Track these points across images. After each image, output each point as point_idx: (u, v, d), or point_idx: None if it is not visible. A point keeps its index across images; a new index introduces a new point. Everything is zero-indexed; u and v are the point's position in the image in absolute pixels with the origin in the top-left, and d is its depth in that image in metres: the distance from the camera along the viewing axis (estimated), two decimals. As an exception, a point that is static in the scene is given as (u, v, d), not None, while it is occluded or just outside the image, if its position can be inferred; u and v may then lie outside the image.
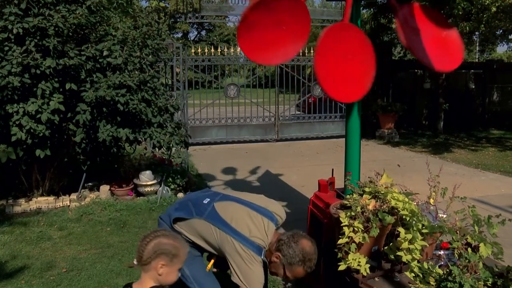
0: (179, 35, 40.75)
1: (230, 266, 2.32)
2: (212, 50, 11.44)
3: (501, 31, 13.68)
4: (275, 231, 2.48)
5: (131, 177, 6.43)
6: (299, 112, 13.91)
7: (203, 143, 11.00)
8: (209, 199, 2.55)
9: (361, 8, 8.70)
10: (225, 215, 2.42)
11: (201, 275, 2.55)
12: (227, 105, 11.30)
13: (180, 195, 6.31)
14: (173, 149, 6.62)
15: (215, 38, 43.54)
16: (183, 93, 10.17)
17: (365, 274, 2.42)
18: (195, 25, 43.41)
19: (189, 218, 2.47)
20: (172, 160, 7.07)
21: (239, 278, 2.29)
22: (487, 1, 8.53)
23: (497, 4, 8.58)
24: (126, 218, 5.47)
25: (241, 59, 12.43)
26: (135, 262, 1.93)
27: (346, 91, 2.66)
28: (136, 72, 5.73)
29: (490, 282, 2.21)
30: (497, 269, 2.30)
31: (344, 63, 2.65)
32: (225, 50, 11.70)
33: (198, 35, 47.04)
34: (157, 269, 1.88)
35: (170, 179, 6.39)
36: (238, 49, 12.06)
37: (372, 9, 13.41)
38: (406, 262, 2.41)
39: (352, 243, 2.42)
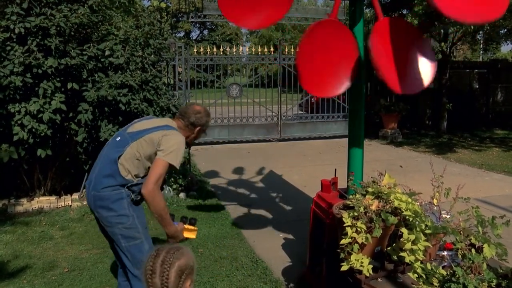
0: (181, 34, 40.78)
1: (165, 152, 2.67)
2: (215, 49, 11.44)
3: (505, 30, 13.58)
4: (173, 120, 2.98)
5: (133, 177, 6.42)
6: (301, 112, 13.89)
7: (205, 143, 10.99)
8: (119, 137, 2.84)
9: (364, 7, 8.67)
10: (141, 128, 2.82)
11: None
12: (229, 105, 11.28)
13: (182, 195, 6.31)
14: (175, 148, 6.59)
15: (217, 38, 43.56)
16: (185, 92, 10.19)
17: (367, 274, 2.40)
18: (197, 25, 43.44)
19: (123, 151, 2.71)
20: (174, 159, 7.04)
21: (171, 155, 2.67)
22: (491, 0, 8.48)
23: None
24: (128, 217, 5.45)
25: (244, 59, 12.43)
26: None
27: (407, 83, 2.62)
28: (138, 71, 5.72)
29: (494, 283, 2.19)
30: (501, 270, 2.28)
31: (400, 56, 2.61)
32: (228, 49, 11.69)
33: (200, 35, 47.09)
34: None
35: (172, 179, 6.38)
36: (241, 48, 12.09)
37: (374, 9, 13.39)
38: (409, 262, 2.39)
39: (355, 244, 2.40)
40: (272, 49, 11.75)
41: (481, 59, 30.28)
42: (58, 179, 6.03)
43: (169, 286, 1.64)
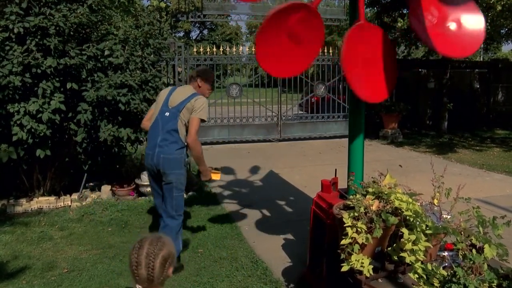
0: (181, 34, 40.76)
1: (196, 111, 3.78)
2: (214, 49, 11.41)
3: (506, 29, 13.55)
4: (191, 85, 4.04)
5: (132, 177, 6.41)
6: (302, 112, 13.86)
7: (205, 143, 10.96)
8: (167, 112, 3.81)
9: (365, 6, 8.65)
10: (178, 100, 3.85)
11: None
12: (229, 105, 11.26)
13: (182, 195, 6.30)
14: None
15: (217, 37, 43.56)
16: (185, 92, 10.18)
17: (368, 275, 2.39)
18: (197, 24, 43.42)
19: (177, 121, 3.77)
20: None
21: (201, 112, 3.81)
22: (492, 0, 8.46)
23: (502, 3, 8.51)
24: (128, 218, 5.45)
25: (244, 58, 12.39)
26: (140, 286, 1.81)
27: (373, 91, 2.67)
28: (138, 71, 5.71)
29: (495, 284, 2.18)
30: (502, 271, 2.26)
31: (368, 64, 2.66)
32: (227, 49, 11.67)
33: (200, 34, 47.08)
34: (169, 275, 1.86)
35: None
36: (241, 48, 12.06)
37: (375, 8, 13.34)
38: (410, 263, 2.38)
39: (355, 244, 2.39)
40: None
41: (481, 59, 30.21)
42: (58, 179, 6.02)
43: (154, 276, 1.79)
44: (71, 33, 5.26)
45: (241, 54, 11.96)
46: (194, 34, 46.52)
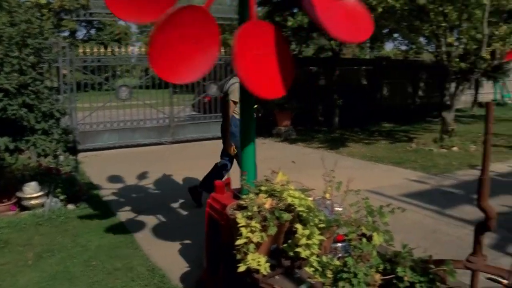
0: (66, 33, 38.23)
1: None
2: (102, 49, 10.83)
3: (387, 30, 14.66)
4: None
5: (13, 190, 5.82)
6: (194, 113, 13.70)
7: (95, 149, 10.37)
8: None
9: (256, 6, 8.76)
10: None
11: None
12: (119, 108, 10.77)
13: (71, 205, 5.87)
14: (61, 156, 6.15)
15: (105, 37, 41.58)
16: (71, 96, 9.52)
17: (265, 273, 2.39)
18: (83, 23, 41.07)
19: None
20: (61, 168, 6.54)
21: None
22: (374, 2, 9.07)
23: (382, 5, 9.17)
24: (8, 236, 4.91)
25: (133, 59, 11.96)
26: None
27: (269, 87, 2.66)
28: (15, 74, 5.20)
29: (381, 268, 2.31)
30: (388, 255, 2.40)
31: (262, 61, 2.64)
32: (116, 49, 11.15)
33: (87, 34, 44.58)
34: None
35: (59, 189, 5.91)
36: (130, 48, 11.61)
37: (267, 7, 13.63)
38: (305, 257, 2.42)
39: (251, 243, 2.38)
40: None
41: (368, 57, 32.37)
42: None
43: None
44: None
45: (130, 55, 11.52)
46: (80, 34, 43.92)
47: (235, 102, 5.13)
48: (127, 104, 10.83)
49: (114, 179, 7.48)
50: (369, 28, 2.83)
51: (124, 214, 5.68)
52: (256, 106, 5.25)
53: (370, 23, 2.84)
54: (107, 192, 6.67)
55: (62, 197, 5.90)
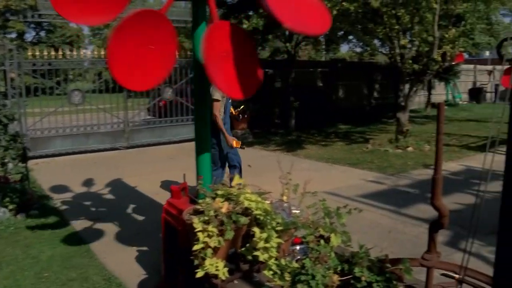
0: (13, 35, 36.71)
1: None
2: (53, 52, 10.44)
3: (342, 32, 14.89)
4: None
5: None
6: (150, 117, 13.46)
7: (47, 156, 10.00)
8: None
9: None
10: None
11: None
12: (72, 113, 10.45)
13: (21, 215, 5.62)
14: (10, 164, 5.90)
15: (56, 40, 40.22)
16: (19, 101, 9.14)
17: (224, 278, 2.37)
18: (32, 25, 39.59)
19: None
20: (10, 177, 6.25)
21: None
22: (329, 4, 9.21)
23: (337, 8, 9.33)
24: None
25: (86, 63, 11.61)
26: None
27: (239, 87, 2.63)
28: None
29: (339, 269, 2.32)
30: (345, 256, 2.43)
31: (231, 61, 2.61)
32: (68, 52, 10.78)
33: (37, 36, 42.99)
34: None
35: (8, 198, 5.65)
36: (83, 51, 11.26)
37: (222, 9, 13.59)
38: (264, 261, 2.41)
39: (208, 248, 2.35)
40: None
41: (324, 59, 32.77)
42: None
43: None
44: None
45: (83, 58, 11.18)
46: (29, 36, 42.29)
47: (217, 100, 5.27)
48: (80, 109, 10.51)
49: (67, 186, 7.23)
50: (327, 21, 2.84)
51: (78, 223, 5.50)
52: (242, 106, 5.51)
53: (328, 16, 2.87)
54: (60, 200, 6.45)
55: (11, 206, 5.65)
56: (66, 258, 4.39)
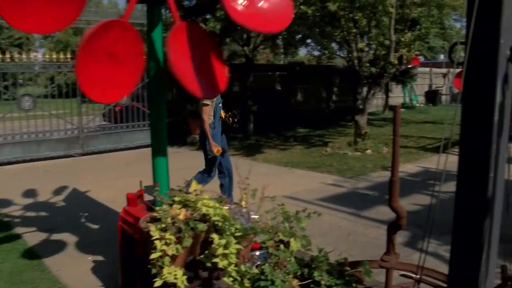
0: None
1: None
2: (0, 55, 9.98)
3: (300, 36, 15.02)
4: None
5: None
6: (105, 123, 13.12)
7: (-5, 164, 9.57)
8: None
9: (165, 10, 8.60)
10: None
11: None
12: (22, 119, 10.03)
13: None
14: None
15: (3, 42, 38.61)
16: (-37, 107, 8.70)
17: (182, 286, 2.33)
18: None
19: None
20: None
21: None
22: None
23: (295, 11, 9.41)
24: None
25: (37, 67, 11.19)
26: None
27: (206, 87, 2.60)
28: None
29: (298, 274, 2.32)
30: (305, 260, 2.43)
31: (196, 61, 2.57)
32: (17, 55, 10.35)
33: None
34: None
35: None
36: (33, 54, 10.86)
37: (179, 12, 13.49)
38: (223, 267, 2.37)
39: (166, 256, 2.30)
40: (70, 56, 10.72)
41: (282, 63, 32.99)
42: None
43: None
44: None
45: (34, 62, 10.76)
46: (-27, 38, 40.42)
47: (205, 104, 5.24)
48: (31, 114, 10.11)
49: (17, 196, 6.91)
50: (288, 16, 2.87)
51: (30, 234, 5.25)
52: (234, 111, 5.59)
53: (290, 11, 2.89)
54: (9, 211, 6.15)
55: (-46, 219, 5.35)
56: (16, 273, 4.18)
